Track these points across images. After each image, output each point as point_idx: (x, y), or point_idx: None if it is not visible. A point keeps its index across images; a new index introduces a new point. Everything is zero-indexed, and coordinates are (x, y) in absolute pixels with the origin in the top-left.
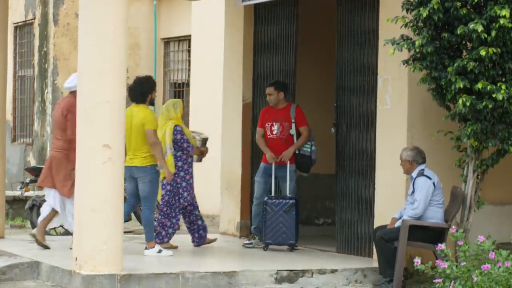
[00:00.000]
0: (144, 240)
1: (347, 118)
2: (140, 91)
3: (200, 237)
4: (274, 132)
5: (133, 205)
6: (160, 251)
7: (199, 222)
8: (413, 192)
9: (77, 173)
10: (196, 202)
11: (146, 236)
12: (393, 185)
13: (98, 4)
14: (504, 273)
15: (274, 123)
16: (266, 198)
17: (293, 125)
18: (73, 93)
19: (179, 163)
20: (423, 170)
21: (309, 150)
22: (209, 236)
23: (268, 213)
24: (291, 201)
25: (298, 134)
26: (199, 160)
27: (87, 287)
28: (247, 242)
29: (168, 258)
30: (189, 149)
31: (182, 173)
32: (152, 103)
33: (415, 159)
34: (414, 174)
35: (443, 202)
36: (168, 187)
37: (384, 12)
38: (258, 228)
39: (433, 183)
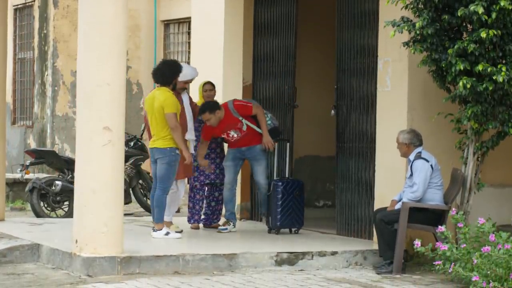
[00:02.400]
0: (143, 222)
1: (347, 100)
2: (164, 72)
3: (207, 218)
4: (235, 136)
5: None
6: (167, 233)
7: (212, 204)
8: (411, 175)
9: (78, 155)
10: (221, 185)
11: (156, 216)
12: (393, 167)
13: None
14: (504, 255)
15: (229, 132)
16: (275, 181)
17: (244, 121)
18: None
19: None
20: (420, 152)
21: (270, 122)
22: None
23: (281, 196)
24: (300, 183)
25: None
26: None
27: (88, 269)
28: (222, 227)
29: (169, 240)
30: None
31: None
32: (174, 87)
33: (412, 142)
34: (411, 157)
35: (441, 183)
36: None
37: None
38: (233, 214)
39: (431, 165)
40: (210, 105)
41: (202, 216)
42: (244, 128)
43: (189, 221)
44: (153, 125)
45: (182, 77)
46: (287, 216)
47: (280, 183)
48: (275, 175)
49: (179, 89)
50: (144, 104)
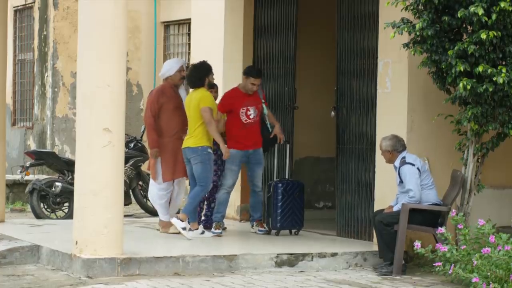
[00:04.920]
0: (143, 224)
1: (347, 101)
2: (196, 76)
3: (207, 219)
4: (252, 117)
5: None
6: (184, 228)
7: (212, 205)
8: (400, 181)
9: (78, 157)
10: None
11: (185, 207)
12: (393, 169)
13: None
14: (504, 257)
15: (249, 107)
16: (275, 182)
17: (264, 105)
18: (166, 80)
19: None
20: (404, 157)
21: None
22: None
23: (281, 198)
24: (301, 184)
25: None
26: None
27: (88, 271)
28: (216, 231)
29: (169, 241)
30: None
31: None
32: (211, 86)
33: (395, 148)
34: (396, 163)
35: (432, 182)
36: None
37: None
38: (223, 217)
39: (417, 168)
40: (261, 71)
41: (202, 218)
42: (265, 111)
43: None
44: (190, 125)
45: (171, 70)
46: (287, 218)
47: (280, 184)
48: (275, 176)
49: (174, 83)
50: (185, 105)
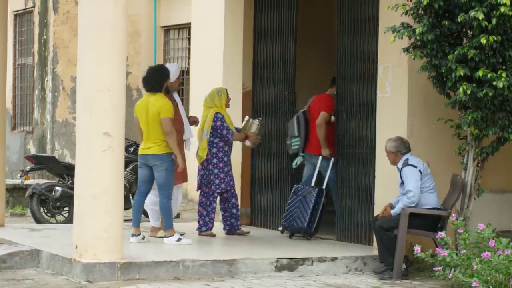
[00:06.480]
0: (143, 228)
1: (347, 106)
2: (156, 80)
3: (231, 226)
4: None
5: (146, 193)
6: (179, 240)
7: (233, 211)
8: (402, 183)
9: (77, 161)
10: (234, 190)
11: (165, 224)
12: (393, 173)
13: None
14: (504, 261)
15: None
16: (298, 186)
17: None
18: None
19: (214, 150)
20: (407, 159)
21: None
22: (244, 228)
23: (290, 198)
24: (316, 189)
25: None
26: (254, 145)
27: (88, 275)
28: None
29: (169, 245)
30: (228, 136)
31: (215, 160)
32: (168, 91)
33: (398, 149)
34: (399, 165)
35: (434, 187)
36: (201, 173)
37: (385, 0)
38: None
39: (419, 171)
40: None
41: (226, 224)
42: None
43: (200, 229)
44: (148, 131)
45: (174, 76)
46: (290, 216)
47: (298, 187)
48: (313, 182)
49: (172, 89)
50: (135, 109)
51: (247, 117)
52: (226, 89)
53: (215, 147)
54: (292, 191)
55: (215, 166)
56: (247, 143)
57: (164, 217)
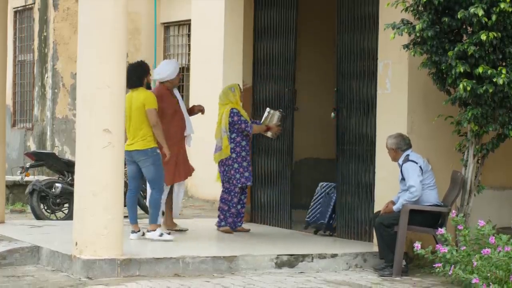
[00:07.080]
0: (143, 225)
1: (348, 103)
2: (136, 75)
3: (233, 223)
4: None
5: (136, 189)
6: (161, 235)
7: (239, 207)
8: (402, 179)
9: (77, 158)
10: (246, 187)
11: (150, 217)
12: (393, 170)
13: None
14: (504, 258)
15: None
16: (323, 183)
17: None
18: (162, 83)
19: (232, 145)
20: (408, 155)
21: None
22: (244, 225)
23: (315, 194)
24: (333, 184)
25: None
26: (274, 136)
27: (88, 272)
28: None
29: (170, 242)
30: (248, 129)
31: (234, 155)
32: (148, 86)
33: (399, 146)
34: (400, 161)
35: (434, 183)
36: (221, 169)
37: None
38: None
39: (420, 167)
40: None
41: (229, 220)
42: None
43: (219, 224)
44: (130, 127)
45: (174, 73)
46: (314, 212)
47: (334, 187)
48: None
49: (173, 86)
50: None
51: (268, 109)
52: (238, 84)
53: (233, 142)
54: (318, 187)
55: (235, 161)
56: (269, 134)
57: (151, 210)
